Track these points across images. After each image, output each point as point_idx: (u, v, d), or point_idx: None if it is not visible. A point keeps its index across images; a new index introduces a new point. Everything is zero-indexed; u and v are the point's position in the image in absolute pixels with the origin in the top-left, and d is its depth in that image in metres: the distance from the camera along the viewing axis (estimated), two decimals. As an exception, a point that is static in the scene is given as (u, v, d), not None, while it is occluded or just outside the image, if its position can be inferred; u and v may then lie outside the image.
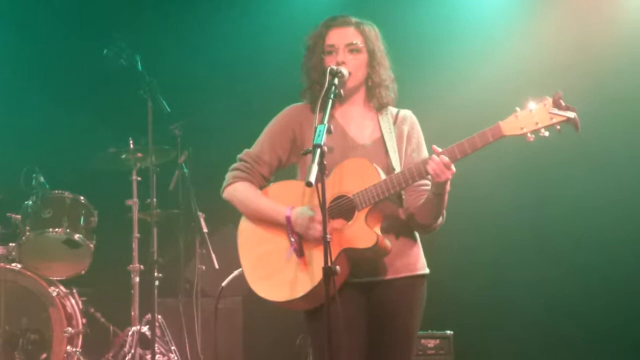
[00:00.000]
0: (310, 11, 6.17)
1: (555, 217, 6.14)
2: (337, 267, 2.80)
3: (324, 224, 2.82)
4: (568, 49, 6.07)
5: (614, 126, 6.00)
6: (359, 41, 3.24)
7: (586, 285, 5.96)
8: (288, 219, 3.11)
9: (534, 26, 6.30)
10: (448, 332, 5.26)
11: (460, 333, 5.37)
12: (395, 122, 3.28)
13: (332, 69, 3.11)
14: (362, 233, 3.01)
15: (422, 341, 5.18)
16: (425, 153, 3.27)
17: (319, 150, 2.81)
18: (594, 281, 5.94)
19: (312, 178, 2.76)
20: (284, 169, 3.36)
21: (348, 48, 3.22)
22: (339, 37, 3.23)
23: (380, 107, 3.29)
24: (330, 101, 3.01)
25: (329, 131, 2.89)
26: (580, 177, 6.06)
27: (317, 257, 3.05)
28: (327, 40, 3.24)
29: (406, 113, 3.34)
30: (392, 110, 3.33)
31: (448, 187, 3.02)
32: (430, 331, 5.20)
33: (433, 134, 3.28)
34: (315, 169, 2.78)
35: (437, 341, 5.21)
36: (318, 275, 3.00)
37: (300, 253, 3.10)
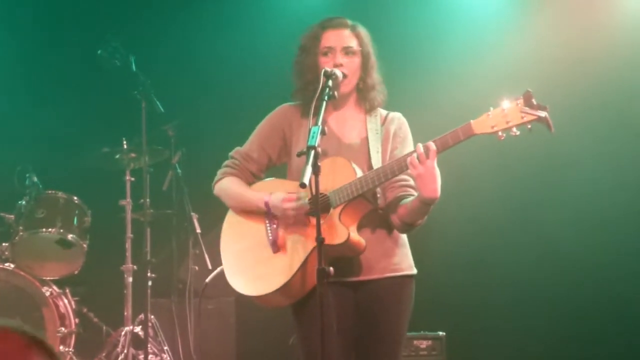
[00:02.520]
0: (304, 12, 6.17)
1: (550, 218, 6.15)
2: (331, 268, 2.82)
3: (318, 226, 2.84)
4: (559, 51, 6.09)
5: (611, 125, 6.03)
6: (354, 44, 3.26)
7: (581, 286, 5.97)
8: (267, 203, 3.18)
9: (526, 27, 6.31)
10: (440, 333, 5.27)
11: (453, 334, 5.38)
12: (383, 124, 3.31)
13: (326, 71, 3.13)
14: (334, 229, 3.05)
15: (415, 342, 5.18)
16: (408, 151, 3.28)
17: (312, 152, 2.83)
18: (589, 281, 5.95)
19: (307, 179, 2.79)
20: (275, 168, 3.40)
21: (344, 51, 3.23)
22: (335, 38, 3.25)
23: (371, 109, 3.32)
24: (324, 103, 3.03)
25: (323, 133, 2.91)
26: (576, 177, 6.07)
27: (292, 251, 3.13)
28: (323, 41, 3.25)
29: (395, 115, 3.37)
30: (382, 112, 3.36)
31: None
32: (422, 332, 5.20)
33: (424, 135, 3.29)
34: (309, 170, 2.80)
35: (430, 342, 5.22)
36: (293, 269, 3.08)
37: (276, 247, 3.15)
